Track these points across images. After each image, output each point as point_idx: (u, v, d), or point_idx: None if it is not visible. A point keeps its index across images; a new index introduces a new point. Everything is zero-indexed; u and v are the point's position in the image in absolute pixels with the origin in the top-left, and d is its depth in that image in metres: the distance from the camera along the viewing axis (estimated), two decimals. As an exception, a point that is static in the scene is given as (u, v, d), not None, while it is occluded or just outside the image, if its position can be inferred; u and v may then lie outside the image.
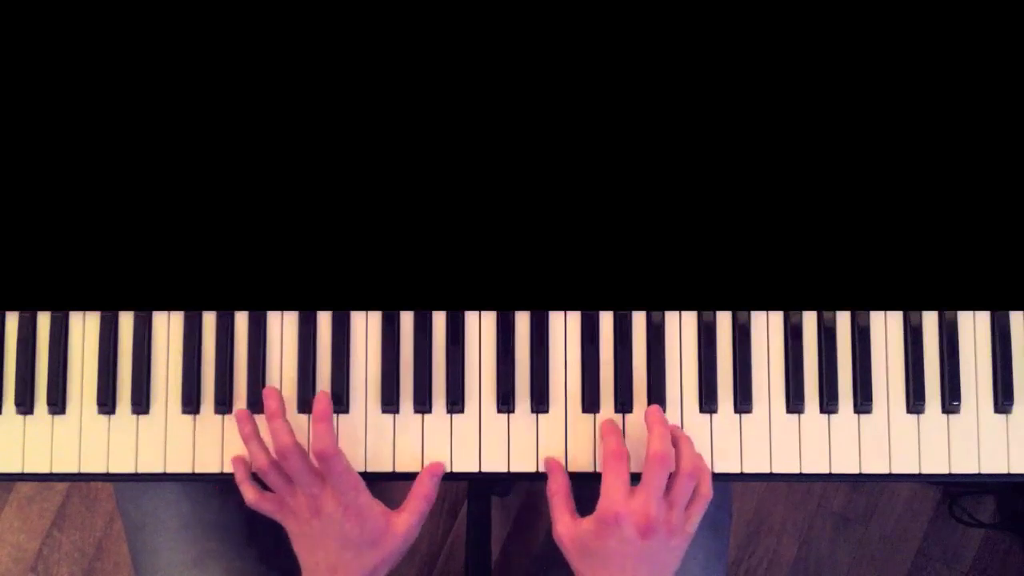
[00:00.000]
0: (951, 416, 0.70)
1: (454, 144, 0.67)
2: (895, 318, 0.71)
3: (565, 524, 0.67)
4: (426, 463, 0.70)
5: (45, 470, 0.71)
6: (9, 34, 0.66)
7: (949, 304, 0.70)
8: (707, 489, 0.67)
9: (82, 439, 0.71)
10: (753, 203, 0.68)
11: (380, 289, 0.68)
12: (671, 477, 0.66)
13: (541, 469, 0.70)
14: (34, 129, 0.67)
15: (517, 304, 0.70)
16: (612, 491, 0.65)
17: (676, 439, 0.68)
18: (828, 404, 0.70)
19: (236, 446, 0.70)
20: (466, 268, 0.68)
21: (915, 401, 0.70)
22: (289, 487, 0.67)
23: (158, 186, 0.67)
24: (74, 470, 0.71)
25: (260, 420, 0.69)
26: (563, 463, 0.70)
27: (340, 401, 0.70)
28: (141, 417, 0.71)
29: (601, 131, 0.67)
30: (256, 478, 0.69)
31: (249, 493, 0.69)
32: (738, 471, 0.70)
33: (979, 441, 0.70)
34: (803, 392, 0.70)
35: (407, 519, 0.68)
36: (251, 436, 0.68)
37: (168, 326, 0.71)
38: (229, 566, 0.77)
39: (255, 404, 0.70)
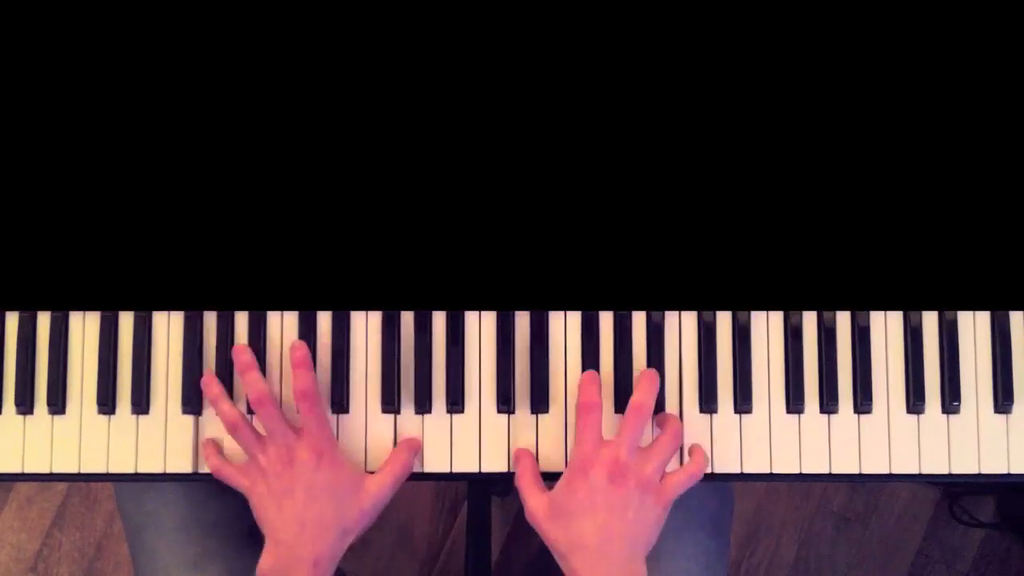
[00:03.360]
0: (951, 416, 0.70)
1: (454, 144, 0.67)
2: (895, 318, 0.71)
3: (535, 498, 0.66)
4: (427, 464, 0.70)
5: (45, 470, 0.71)
6: (9, 34, 0.66)
7: (949, 304, 0.70)
8: (698, 468, 0.67)
9: (82, 439, 0.71)
10: (753, 203, 0.68)
11: (380, 289, 0.68)
12: (657, 438, 0.67)
13: (542, 469, 0.70)
14: (34, 129, 0.67)
15: (517, 304, 0.70)
16: (583, 441, 0.65)
17: (665, 414, 0.69)
18: (828, 404, 0.70)
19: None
20: (466, 268, 0.68)
21: (915, 401, 0.70)
22: (260, 444, 0.67)
23: (158, 186, 0.67)
24: (74, 470, 0.71)
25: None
26: (534, 453, 0.70)
27: (340, 401, 0.70)
28: (141, 417, 0.71)
29: (601, 131, 0.67)
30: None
31: (212, 460, 0.68)
32: (738, 471, 0.70)
33: (979, 441, 0.70)
34: (803, 392, 0.70)
35: (381, 479, 0.67)
36: (219, 396, 0.68)
37: (168, 326, 0.71)
38: (229, 566, 0.77)
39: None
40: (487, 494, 1.13)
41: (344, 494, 0.66)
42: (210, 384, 0.69)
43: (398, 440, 0.70)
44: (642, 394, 0.66)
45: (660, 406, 0.70)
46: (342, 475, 0.66)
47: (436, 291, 0.68)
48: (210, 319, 0.71)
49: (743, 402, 0.70)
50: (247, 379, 0.67)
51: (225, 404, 0.68)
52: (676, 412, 0.70)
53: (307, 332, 0.70)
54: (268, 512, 0.66)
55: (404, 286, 0.68)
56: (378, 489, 0.67)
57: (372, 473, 0.68)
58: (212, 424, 0.70)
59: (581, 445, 0.65)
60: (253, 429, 0.67)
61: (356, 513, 0.66)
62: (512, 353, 0.70)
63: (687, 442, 0.70)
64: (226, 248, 0.68)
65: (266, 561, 0.66)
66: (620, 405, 0.70)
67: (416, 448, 0.70)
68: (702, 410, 0.70)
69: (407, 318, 0.71)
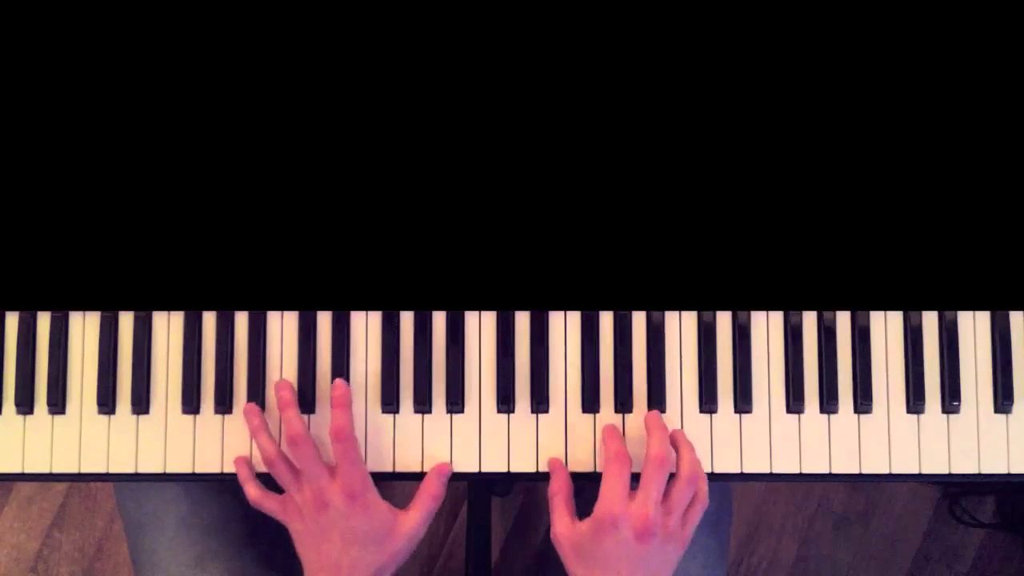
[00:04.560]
0: (951, 416, 0.70)
1: (454, 144, 0.67)
2: (895, 318, 0.71)
3: (564, 525, 0.67)
4: (426, 463, 0.70)
5: (45, 470, 0.71)
6: (9, 34, 0.66)
7: (949, 304, 0.70)
8: (705, 495, 0.67)
9: (82, 439, 0.71)
10: (753, 203, 0.68)
11: (380, 289, 0.68)
12: (670, 482, 0.66)
13: (541, 469, 0.70)
14: (34, 129, 0.67)
15: (517, 304, 0.70)
16: (611, 493, 0.65)
17: (677, 444, 0.68)
18: (828, 404, 0.70)
19: (236, 446, 0.70)
20: (466, 268, 0.68)
21: (915, 401, 0.70)
22: (296, 481, 0.67)
23: (158, 186, 0.67)
24: (74, 470, 0.71)
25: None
26: (565, 463, 0.70)
27: (340, 401, 0.70)
28: (141, 417, 0.71)
29: (601, 131, 0.67)
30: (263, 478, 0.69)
31: (252, 491, 0.69)
32: (738, 471, 0.70)
33: (979, 441, 0.70)
34: (803, 392, 0.70)
35: (414, 516, 0.68)
36: (259, 428, 0.68)
37: (168, 326, 0.71)
38: (229, 566, 0.77)
39: (256, 404, 0.70)
40: (487, 494, 1.13)
41: (378, 537, 0.66)
42: (251, 415, 0.69)
43: (396, 439, 0.70)
44: (659, 445, 0.66)
45: (661, 406, 0.70)
46: (375, 519, 0.66)
47: (436, 291, 0.68)
48: (210, 319, 0.71)
49: (743, 402, 0.70)
50: (285, 416, 0.67)
51: (264, 438, 0.68)
52: (677, 412, 0.70)
53: (307, 332, 0.70)
54: (307, 550, 0.67)
55: (404, 286, 0.68)
56: (411, 527, 0.67)
57: (404, 510, 0.68)
58: (210, 424, 0.70)
59: (609, 496, 0.65)
60: (290, 465, 0.67)
61: (389, 554, 0.67)
62: (512, 353, 0.70)
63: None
64: (226, 248, 0.68)
65: None
66: (620, 406, 0.70)
67: (447, 473, 0.69)
68: (702, 410, 0.70)
69: (407, 318, 0.71)
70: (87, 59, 0.66)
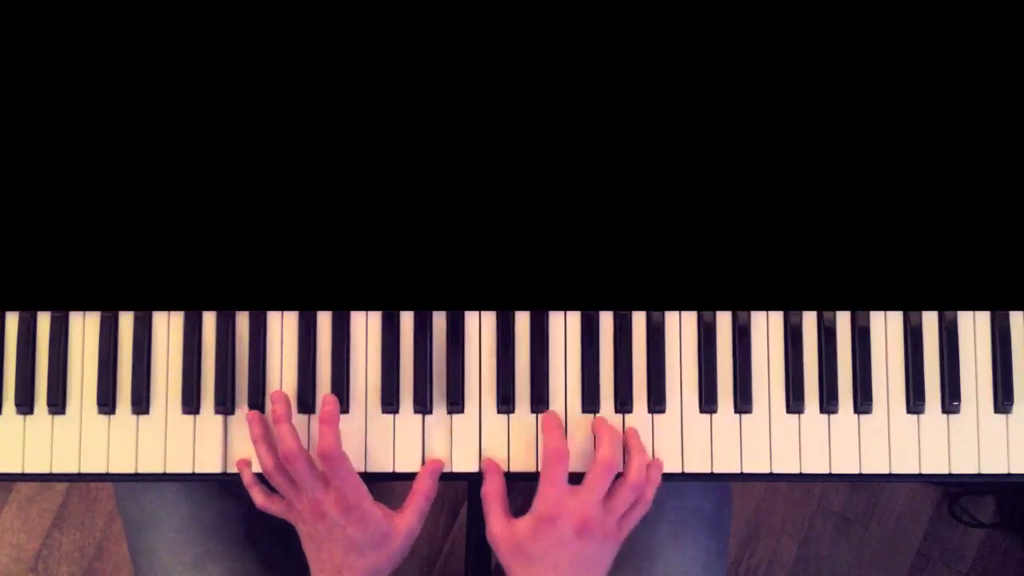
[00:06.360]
0: (951, 416, 0.70)
1: (454, 144, 0.67)
2: (895, 318, 0.71)
3: (500, 525, 0.67)
4: (426, 463, 0.70)
5: (45, 470, 0.71)
6: (9, 34, 0.66)
7: (949, 304, 0.70)
8: (648, 500, 0.68)
9: (82, 439, 0.71)
10: (753, 203, 0.68)
11: (380, 289, 0.68)
12: (616, 483, 0.67)
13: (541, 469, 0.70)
14: (34, 129, 0.67)
15: (517, 304, 0.70)
16: (550, 490, 0.65)
17: (629, 447, 0.68)
18: (828, 404, 0.70)
19: (236, 446, 0.70)
20: (466, 268, 0.68)
21: (915, 401, 0.70)
22: (294, 489, 0.67)
23: (158, 186, 0.67)
24: (74, 470, 0.71)
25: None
26: (501, 465, 0.70)
27: (340, 401, 0.70)
28: (141, 417, 0.71)
29: (601, 131, 0.67)
30: (264, 479, 0.69)
31: (258, 496, 0.69)
32: (738, 471, 0.70)
33: (979, 441, 0.70)
34: (803, 392, 0.70)
35: (408, 517, 0.68)
36: (260, 438, 0.68)
37: (168, 326, 0.71)
38: (228, 567, 0.77)
39: (255, 405, 0.70)
40: (487, 494, 1.13)
41: (375, 543, 0.67)
42: (253, 424, 0.69)
43: (396, 439, 0.70)
44: (608, 448, 0.66)
45: (660, 406, 0.70)
46: (371, 527, 0.66)
47: (436, 291, 0.68)
48: (210, 319, 0.71)
49: (743, 402, 0.70)
50: (279, 430, 0.67)
51: (263, 449, 0.68)
52: (677, 412, 0.70)
53: (307, 332, 0.70)
54: (311, 552, 0.68)
55: (404, 286, 0.68)
56: (407, 527, 0.68)
57: (399, 511, 0.68)
58: (210, 424, 0.70)
59: (548, 492, 0.65)
60: (288, 476, 0.67)
61: (387, 556, 0.67)
62: (512, 353, 0.70)
63: (687, 442, 0.70)
64: (226, 248, 0.68)
65: None
66: (620, 406, 0.70)
67: (439, 470, 0.70)
68: (702, 410, 0.70)
69: (407, 318, 0.71)
70: (87, 59, 0.66)
